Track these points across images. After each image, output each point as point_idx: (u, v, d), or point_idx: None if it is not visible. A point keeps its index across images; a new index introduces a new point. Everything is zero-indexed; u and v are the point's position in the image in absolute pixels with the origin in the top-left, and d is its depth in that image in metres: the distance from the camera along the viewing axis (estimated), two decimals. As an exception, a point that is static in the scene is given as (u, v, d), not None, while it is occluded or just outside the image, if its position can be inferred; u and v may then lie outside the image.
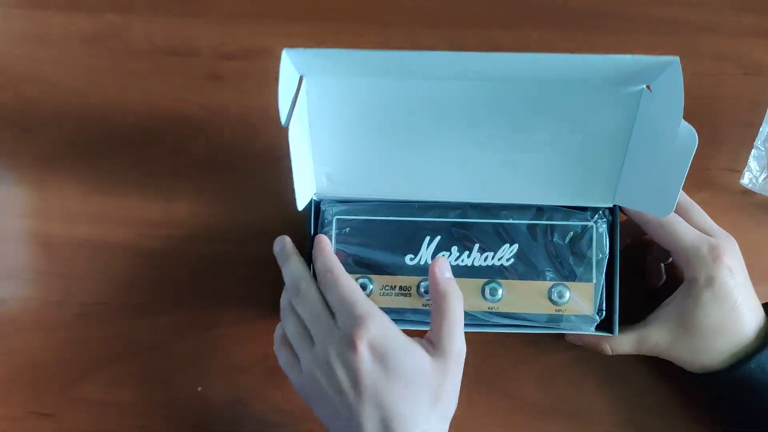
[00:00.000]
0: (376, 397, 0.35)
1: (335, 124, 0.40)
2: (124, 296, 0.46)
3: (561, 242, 0.41)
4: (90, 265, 0.46)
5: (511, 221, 0.41)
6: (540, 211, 0.41)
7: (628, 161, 0.40)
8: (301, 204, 0.39)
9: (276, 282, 0.45)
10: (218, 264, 0.46)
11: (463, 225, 0.41)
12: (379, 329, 0.35)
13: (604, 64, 0.35)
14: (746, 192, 0.47)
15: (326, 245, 0.40)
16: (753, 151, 0.48)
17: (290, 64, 0.35)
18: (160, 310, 0.46)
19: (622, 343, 0.42)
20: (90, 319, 0.46)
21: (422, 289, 0.41)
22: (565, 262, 0.41)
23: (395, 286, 0.41)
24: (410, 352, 0.35)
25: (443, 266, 0.38)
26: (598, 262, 0.41)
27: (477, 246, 0.41)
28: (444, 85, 0.39)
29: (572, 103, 0.39)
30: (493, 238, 0.41)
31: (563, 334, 0.45)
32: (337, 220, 0.41)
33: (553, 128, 0.40)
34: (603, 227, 0.41)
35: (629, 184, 0.40)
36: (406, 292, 0.41)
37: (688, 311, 0.40)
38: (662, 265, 0.46)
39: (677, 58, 0.34)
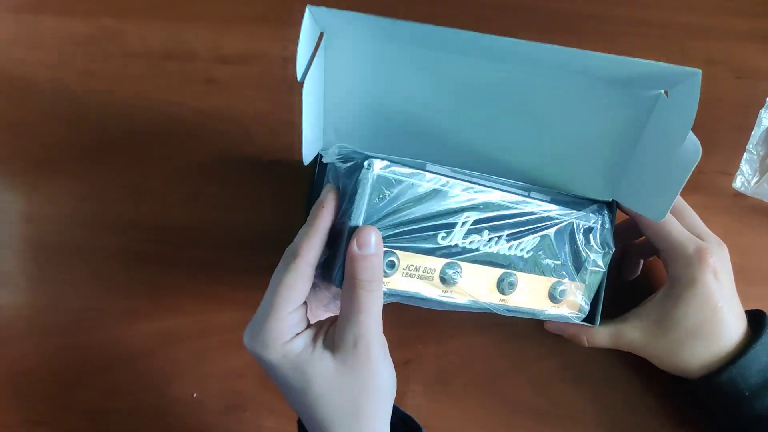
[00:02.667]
0: None
1: (350, 83, 0.40)
2: (118, 302, 0.46)
3: (575, 236, 0.40)
4: (84, 270, 0.46)
5: (542, 213, 0.39)
6: (560, 202, 0.40)
7: (633, 161, 0.41)
8: (307, 158, 0.38)
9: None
10: (213, 268, 0.46)
11: (499, 207, 0.38)
12: None
13: (627, 65, 0.36)
14: (738, 195, 0.48)
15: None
16: (745, 155, 0.48)
17: (312, 21, 0.35)
18: (155, 315, 0.46)
19: (599, 336, 0.42)
20: (84, 326, 0.45)
21: (444, 276, 0.38)
22: (577, 255, 0.40)
23: (419, 268, 0.37)
24: None
25: (365, 239, 0.32)
26: (603, 255, 0.41)
27: (506, 234, 0.39)
28: (465, 62, 0.39)
29: (590, 98, 0.40)
30: (522, 227, 0.39)
31: (556, 338, 0.45)
32: (378, 178, 0.34)
33: (568, 119, 0.41)
34: (608, 224, 0.41)
35: (630, 184, 0.41)
36: (429, 275, 0.38)
37: (667, 310, 0.40)
38: (641, 261, 0.46)
39: (699, 72, 0.34)
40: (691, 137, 0.35)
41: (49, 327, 0.45)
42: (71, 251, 0.46)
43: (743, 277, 0.47)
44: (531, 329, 0.45)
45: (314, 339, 0.33)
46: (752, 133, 0.49)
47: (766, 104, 0.49)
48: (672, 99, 0.39)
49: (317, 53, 0.37)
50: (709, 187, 0.48)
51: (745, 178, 0.48)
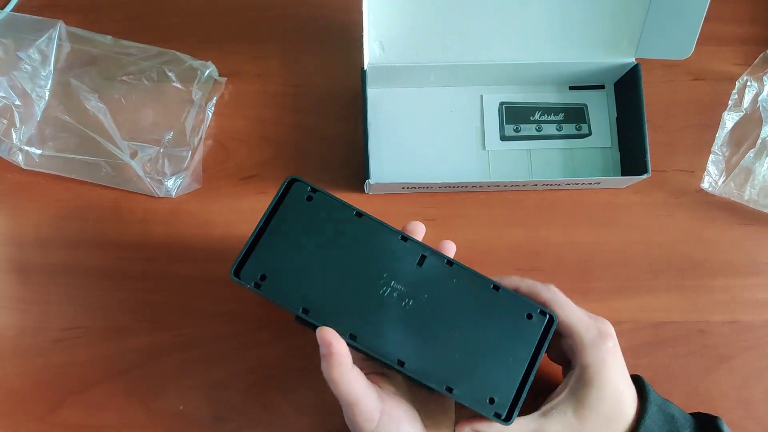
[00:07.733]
0: None
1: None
2: (101, 319, 0.46)
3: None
4: (67, 290, 0.47)
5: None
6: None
7: (650, 14, 0.45)
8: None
9: (251, 297, 0.46)
10: (195, 283, 0.47)
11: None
12: None
13: None
14: (700, 191, 0.50)
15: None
16: (711, 156, 0.50)
17: None
18: (139, 331, 0.46)
19: None
20: (68, 344, 0.46)
21: None
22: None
23: None
24: None
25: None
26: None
27: None
28: None
29: None
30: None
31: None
32: None
33: None
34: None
35: (650, 36, 0.46)
36: None
37: (583, 397, 0.38)
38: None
39: None
40: None
41: (34, 346, 0.46)
42: (54, 272, 0.47)
43: (707, 271, 0.48)
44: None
45: None
46: (717, 134, 0.50)
47: (728, 106, 0.51)
48: None
49: None
50: (672, 185, 0.50)
51: (712, 179, 0.50)
